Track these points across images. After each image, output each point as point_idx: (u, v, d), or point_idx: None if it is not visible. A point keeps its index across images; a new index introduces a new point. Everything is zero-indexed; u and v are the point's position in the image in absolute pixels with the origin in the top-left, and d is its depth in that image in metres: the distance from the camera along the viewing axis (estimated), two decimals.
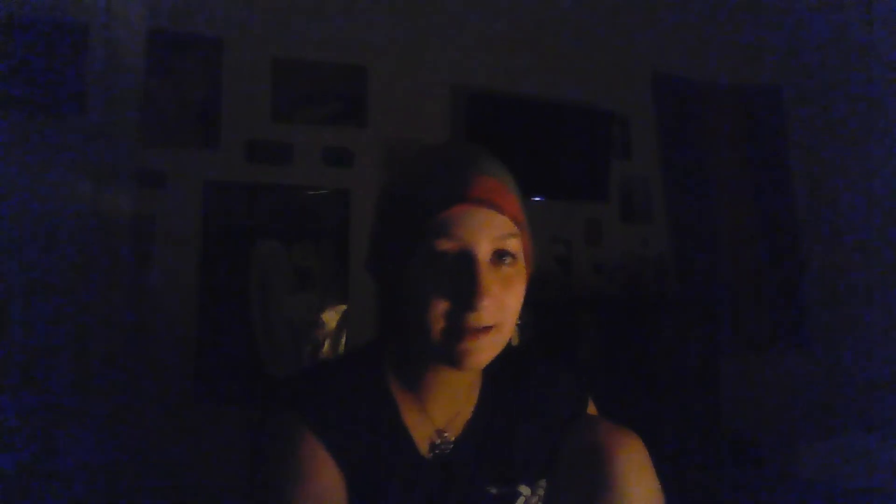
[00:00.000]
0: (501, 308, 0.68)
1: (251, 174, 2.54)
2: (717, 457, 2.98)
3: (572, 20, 3.17)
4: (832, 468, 2.49)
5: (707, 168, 3.44)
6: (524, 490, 0.77)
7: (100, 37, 2.17)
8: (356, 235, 2.62)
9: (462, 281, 0.66)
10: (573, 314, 2.86)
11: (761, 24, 3.52)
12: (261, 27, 2.58)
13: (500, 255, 0.68)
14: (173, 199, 2.41)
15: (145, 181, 2.36)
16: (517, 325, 0.72)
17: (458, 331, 0.66)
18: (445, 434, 0.77)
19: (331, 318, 2.62)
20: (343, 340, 2.61)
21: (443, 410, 0.77)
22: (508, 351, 0.73)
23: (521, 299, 0.71)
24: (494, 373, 0.79)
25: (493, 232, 0.67)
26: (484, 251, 0.67)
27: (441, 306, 0.66)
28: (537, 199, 2.95)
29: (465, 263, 0.66)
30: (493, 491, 0.75)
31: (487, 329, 0.67)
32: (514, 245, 0.69)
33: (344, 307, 2.63)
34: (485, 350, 0.68)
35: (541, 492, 0.77)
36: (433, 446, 0.76)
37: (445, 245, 0.66)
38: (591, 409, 0.87)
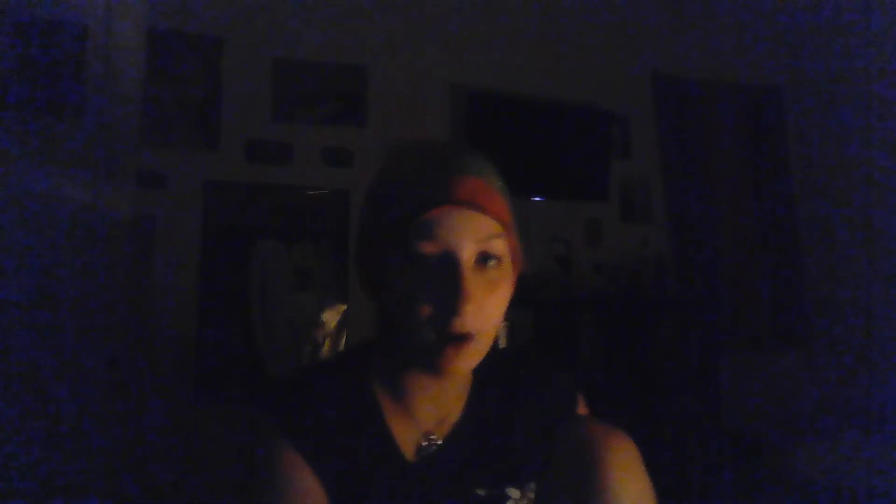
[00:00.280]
0: (485, 312, 0.67)
1: (251, 174, 2.54)
2: (716, 457, 2.97)
3: (572, 20, 3.17)
4: (832, 468, 2.49)
5: (707, 168, 3.44)
6: (513, 493, 0.76)
7: (100, 37, 2.17)
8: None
9: (445, 285, 0.64)
10: (573, 314, 2.85)
11: (761, 25, 3.52)
12: (261, 27, 2.58)
13: (484, 258, 0.67)
14: (173, 199, 2.41)
15: (145, 181, 2.36)
16: (504, 324, 0.71)
17: (441, 336, 0.65)
18: (433, 437, 0.76)
19: (331, 318, 2.62)
20: (343, 340, 2.61)
21: (430, 413, 0.76)
22: (497, 352, 0.72)
23: (507, 302, 0.70)
24: (484, 374, 0.78)
25: (477, 234, 0.66)
26: (468, 254, 0.65)
27: (424, 310, 0.65)
28: (537, 199, 2.95)
29: (448, 267, 0.65)
30: (481, 493, 0.74)
31: (470, 336, 0.65)
32: (499, 246, 0.67)
33: (344, 307, 2.63)
34: (467, 357, 0.67)
35: (531, 494, 0.76)
36: (420, 449, 0.75)
37: (428, 247, 0.65)
38: (583, 407, 0.86)
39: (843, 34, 3.37)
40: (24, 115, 2.10)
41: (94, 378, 2.07)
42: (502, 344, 0.73)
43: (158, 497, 2.22)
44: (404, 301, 0.66)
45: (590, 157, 3.11)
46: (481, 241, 0.66)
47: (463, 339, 0.65)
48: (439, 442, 0.76)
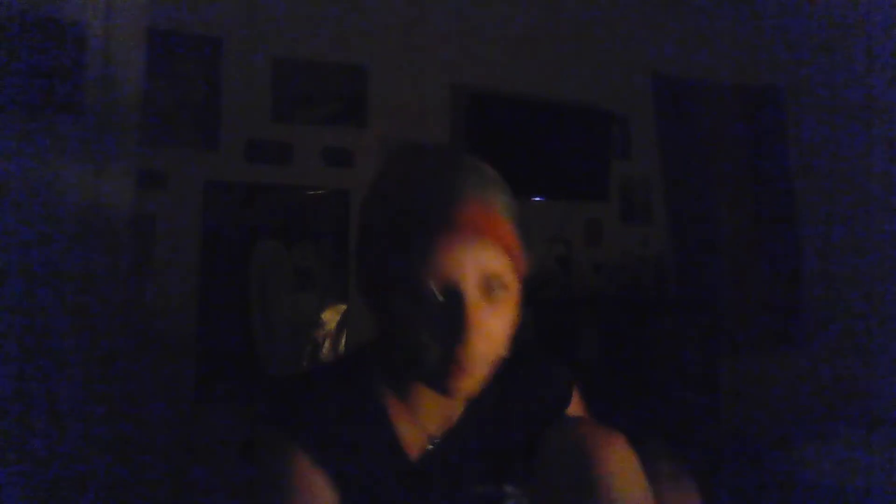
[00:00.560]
0: (491, 338, 0.66)
1: (251, 174, 2.54)
2: (716, 457, 2.97)
3: (572, 20, 3.17)
4: (832, 468, 2.49)
5: (707, 168, 3.44)
6: (511, 490, 0.76)
7: (100, 37, 2.16)
8: (356, 235, 2.62)
9: (450, 317, 0.63)
10: (573, 314, 2.86)
11: (761, 25, 3.52)
12: (261, 27, 2.58)
13: (490, 286, 0.65)
14: (173, 199, 2.41)
15: (145, 181, 2.36)
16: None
17: (447, 364, 0.64)
18: (436, 439, 0.76)
19: (331, 318, 2.62)
20: (343, 340, 2.61)
21: (434, 416, 0.76)
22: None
23: (513, 321, 0.68)
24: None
25: (481, 263, 0.64)
26: (472, 283, 0.63)
27: (428, 342, 0.64)
28: (537, 199, 2.95)
29: (452, 299, 0.63)
30: (479, 490, 0.75)
31: (475, 362, 0.65)
32: (504, 271, 0.65)
33: (344, 307, 2.63)
34: (473, 379, 0.66)
35: (529, 491, 0.76)
36: (423, 451, 0.75)
37: (430, 278, 0.63)
38: (580, 404, 0.86)
39: (843, 34, 3.37)
40: (23, 115, 2.10)
41: (93, 378, 2.07)
42: (505, 354, 0.72)
43: (159, 497, 2.22)
44: (408, 330, 0.64)
45: (590, 157, 3.11)
46: (485, 270, 0.64)
47: (468, 366, 0.64)
48: (439, 440, 0.76)
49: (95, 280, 2.08)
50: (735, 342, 3.37)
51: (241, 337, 2.47)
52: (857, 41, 3.31)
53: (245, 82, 2.55)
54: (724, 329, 3.33)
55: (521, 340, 0.73)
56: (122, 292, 2.16)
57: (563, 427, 0.77)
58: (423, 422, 0.76)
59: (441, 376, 0.65)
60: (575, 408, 0.86)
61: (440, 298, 0.63)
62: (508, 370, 0.82)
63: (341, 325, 2.62)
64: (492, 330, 0.65)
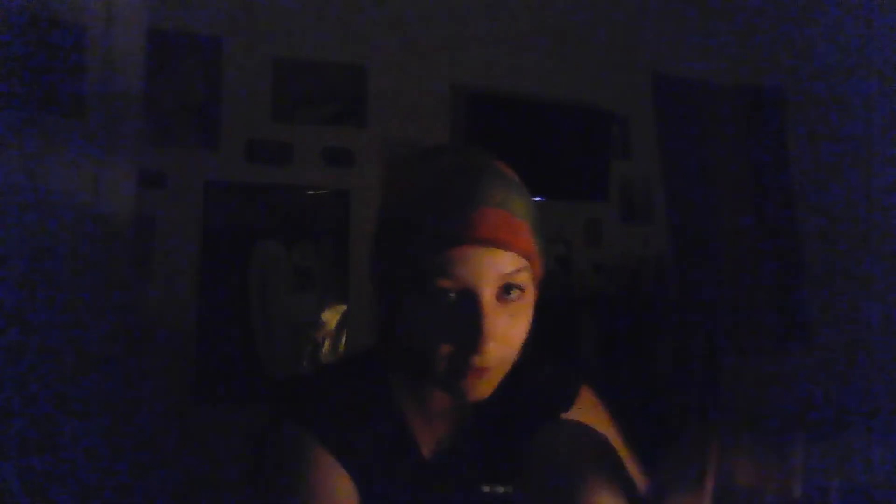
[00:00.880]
0: (508, 343, 0.65)
1: (251, 174, 2.54)
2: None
3: (572, 20, 3.16)
4: (832, 468, 2.49)
5: (707, 168, 3.44)
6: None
7: (100, 37, 2.16)
8: (356, 235, 2.62)
9: (466, 324, 0.62)
10: (573, 314, 2.86)
11: (761, 25, 3.52)
12: (261, 27, 2.58)
13: (507, 289, 0.64)
14: (173, 199, 2.41)
15: (145, 181, 2.36)
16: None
17: (462, 368, 0.64)
18: (447, 438, 0.77)
19: (331, 318, 2.62)
20: (343, 341, 2.61)
21: (445, 416, 0.77)
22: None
23: (529, 326, 0.68)
24: None
25: (498, 271, 0.63)
26: (489, 290, 0.63)
27: (443, 347, 0.63)
28: (537, 199, 2.93)
29: (468, 305, 0.62)
30: (487, 489, 0.75)
31: (491, 367, 0.65)
32: (522, 277, 0.65)
33: (344, 307, 2.63)
34: (489, 384, 0.66)
35: None
36: (436, 450, 0.76)
37: (447, 284, 0.62)
38: (597, 406, 0.86)
39: (843, 34, 3.37)
40: (23, 115, 2.10)
41: (92, 378, 2.07)
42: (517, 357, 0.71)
43: (159, 497, 2.22)
44: (423, 336, 0.64)
45: (590, 157, 3.11)
46: (503, 275, 0.63)
47: (483, 371, 0.64)
48: (450, 440, 0.77)
49: (95, 280, 2.08)
50: (735, 342, 3.37)
51: (241, 337, 2.47)
52: (858, 41, 3.31)
53: (245, 82, 2.55)
54: (724, 329, 3.33)
55: (531, 341, 0.73)
56: (122, 292, 2.16)
57: (551, 429, 0.76)
58: (435, 420, 0.76)
59: (455, 382, 0.65)
60: (593, 410, 0.86)
61: (457, 304, 0.63)
62: (519, 371, 0.82)
63: (341, 325, 2.62)
64: (508, 335, 0.65)
